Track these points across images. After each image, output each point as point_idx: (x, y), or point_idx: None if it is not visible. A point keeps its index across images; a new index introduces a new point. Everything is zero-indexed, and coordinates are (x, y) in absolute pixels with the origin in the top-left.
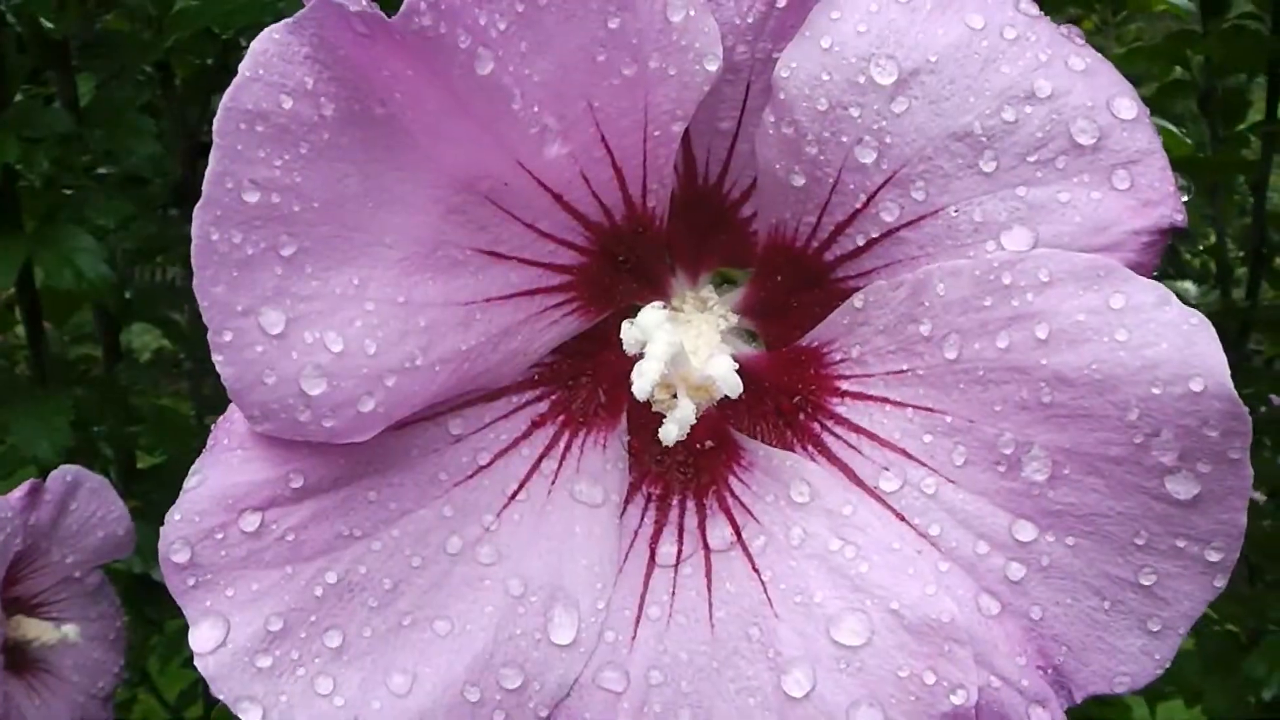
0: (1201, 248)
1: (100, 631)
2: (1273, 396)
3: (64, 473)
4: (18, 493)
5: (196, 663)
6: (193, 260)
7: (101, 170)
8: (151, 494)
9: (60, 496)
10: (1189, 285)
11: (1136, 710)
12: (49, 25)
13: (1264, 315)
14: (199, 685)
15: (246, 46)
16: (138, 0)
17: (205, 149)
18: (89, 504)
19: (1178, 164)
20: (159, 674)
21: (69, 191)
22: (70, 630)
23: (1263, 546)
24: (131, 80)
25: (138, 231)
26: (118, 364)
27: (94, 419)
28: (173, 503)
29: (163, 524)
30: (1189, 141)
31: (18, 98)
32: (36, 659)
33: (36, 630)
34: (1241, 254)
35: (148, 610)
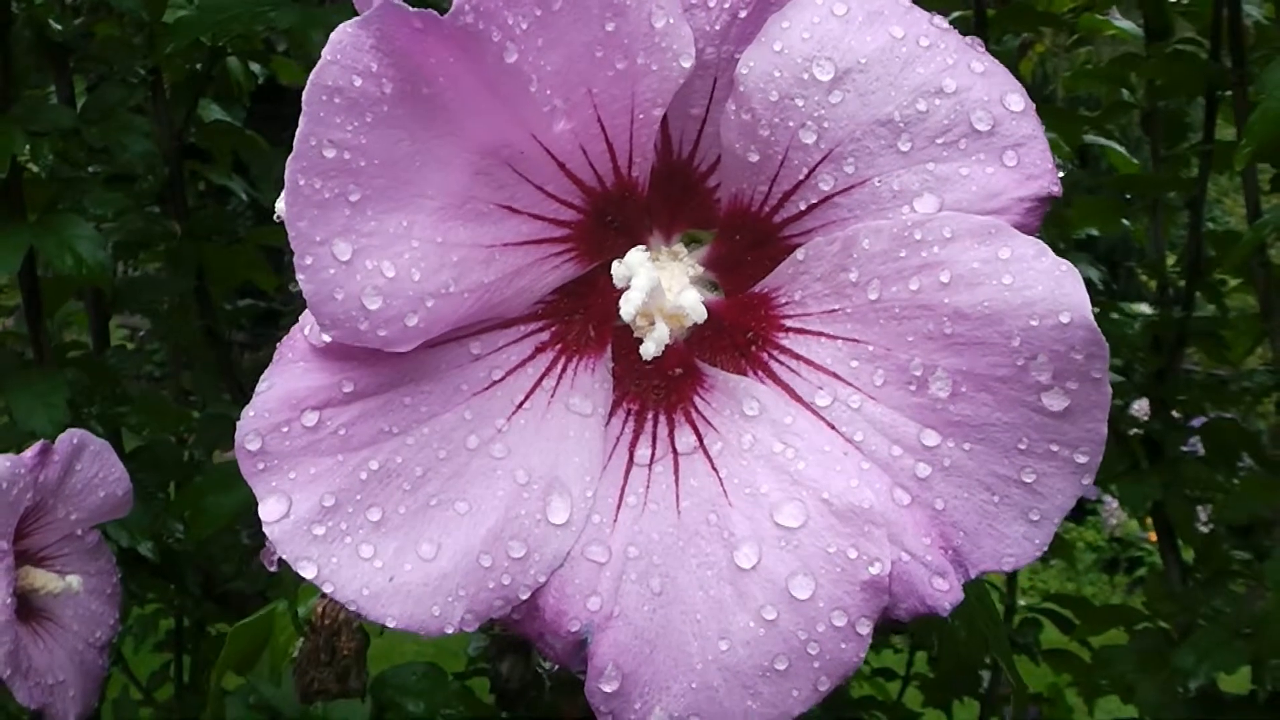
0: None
1: (98, 586)
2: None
3: (71, 435)
4: (30, 452)
5: (265, 529)
6: (284, 200)
7: (91, 168)
8: (138, 473)
9: (67, 457)
10: (1144, 307)
11: (1077, 714)
12: (56, 28)
13: (1197, 327)
14: (170, 667)
15: (232, 54)
16: (133, 6)
17: (190, 150)
18: (92, 465)
19: (1122, 182)
20: (133, 655)
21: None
22: (74, 580)
23: (1199, 549)
24: (124, 82)
25: (127, 225)
26: (106, 349)
27: (85, 400)
28: (157, 483)
29: (155, 497)
30: (1135, 161)
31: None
32: (40, 608)
33: (43, 580)
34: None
35: (131, 584)
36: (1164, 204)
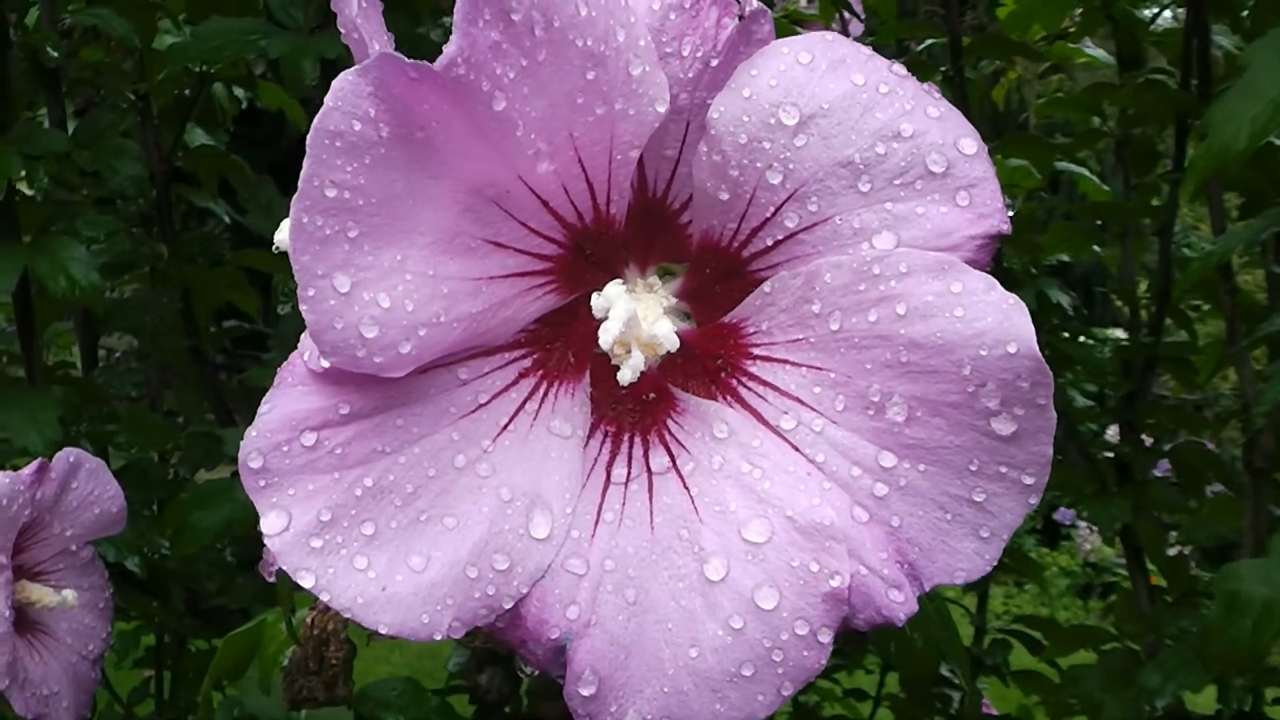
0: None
1: (91, 600)
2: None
3: (67, 454)
4: (28, 470)
5: (266, 542)
6: (289, 234)
7: (81, 191)
8: (124, 491)
9: (63, 475)
10: (1119, 332)
11: None
12: (52, 54)
13: (1167, 351)
14: (149, 684)
15: (218, 80)
16: (124, 33)
17: (177, 174)
18: (87, 483)
19: (1094, 209)
20: (114, 670)
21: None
22: (69, 595)
23: (1168, 571)
24: (115, 106)
25: (115, 247)
26: (95, 368)
27: (75, 418)
28: (144, 500)
29: (141, 514)
30: (1106, 189)
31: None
32: (36, 621)
33: (39, 594)
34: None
35: (117, 599)
36: (1135, 231)
